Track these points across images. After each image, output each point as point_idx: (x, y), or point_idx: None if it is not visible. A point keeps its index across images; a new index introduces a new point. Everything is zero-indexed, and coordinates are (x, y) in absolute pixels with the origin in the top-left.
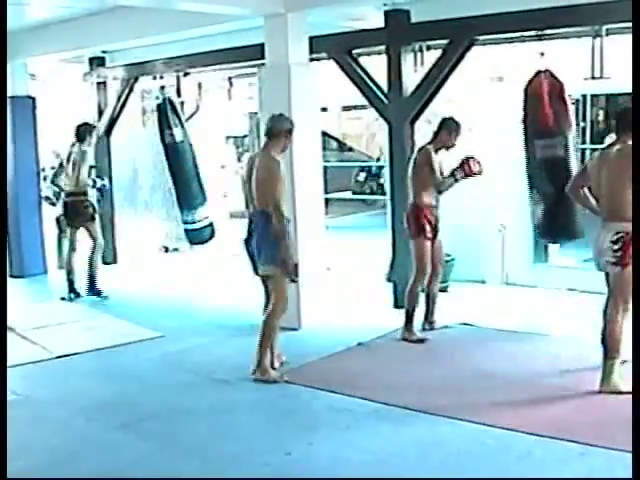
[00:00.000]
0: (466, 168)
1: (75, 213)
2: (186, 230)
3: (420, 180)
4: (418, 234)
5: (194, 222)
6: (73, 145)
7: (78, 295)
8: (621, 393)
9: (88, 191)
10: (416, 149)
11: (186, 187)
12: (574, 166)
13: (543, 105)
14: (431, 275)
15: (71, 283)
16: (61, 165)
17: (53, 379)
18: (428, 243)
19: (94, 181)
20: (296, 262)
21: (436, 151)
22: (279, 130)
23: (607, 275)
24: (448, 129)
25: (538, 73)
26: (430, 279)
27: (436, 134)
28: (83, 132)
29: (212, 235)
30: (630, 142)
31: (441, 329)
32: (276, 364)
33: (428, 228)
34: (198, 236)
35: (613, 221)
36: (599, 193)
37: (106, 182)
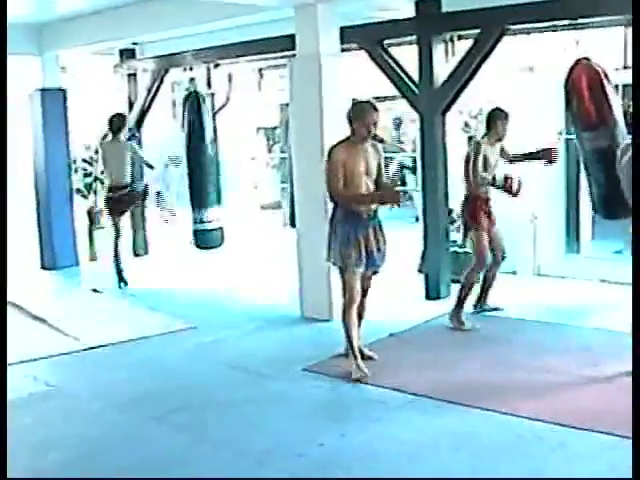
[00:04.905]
0: (506, 185)
1: (129, 203)
2: (194, 231)
3: (473, 172)
4: (476, 226)
5: (203, 222)
6: (105, 137)
7: (127, 283)
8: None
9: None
10: (472, 142)
11: (200, 184)
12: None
13: (583, 100)
14: (492, 263)
15: (120, 272)
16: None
17: (85, 370)
18: (485, 234)
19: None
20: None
21: (495, 142)
22: (351, 119)
23: None
24: (501, 120)
25: (577, 63)
26: (491, 267)
27: (489, 127)
28: (117, 124)
29: (220, 242)
30: None
31: (491, 310)
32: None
33: (483, 219)
34: (204, 239)
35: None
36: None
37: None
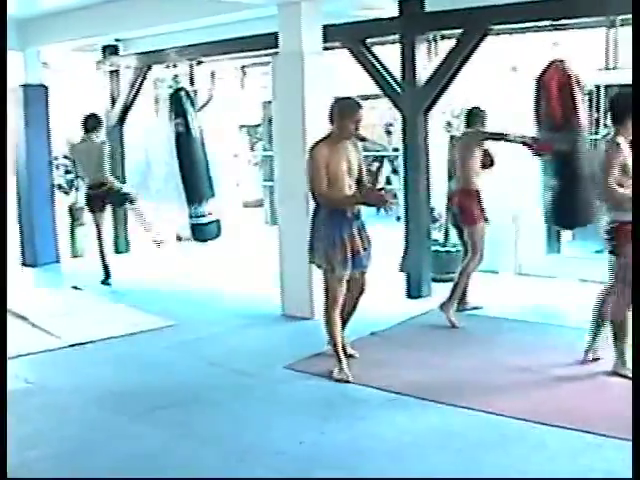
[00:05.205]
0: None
1: (109, 200)
2: (191, 225)
3: (472, 165)
4: (480, 219)
5: (200, 216)
6: (85, 137)
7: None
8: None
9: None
10: (458, 135)
11: (193, 179)
12: (583, 159)
13: (552, 99)
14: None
15: (106, 267)
16: (73, 158)
17: (67, 368)
18: (485, 227)
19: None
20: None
21: None
22: (337, 115)
23: (611, 262)
24: (480, 118)
25: (551, 64)
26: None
27: (468, 123)
28: (92, 123)
29: (217, 234)
30: (617, 138)
31: (472, 309)
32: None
33: (483, 212)
34: (202, 233)
35: (608, 211)
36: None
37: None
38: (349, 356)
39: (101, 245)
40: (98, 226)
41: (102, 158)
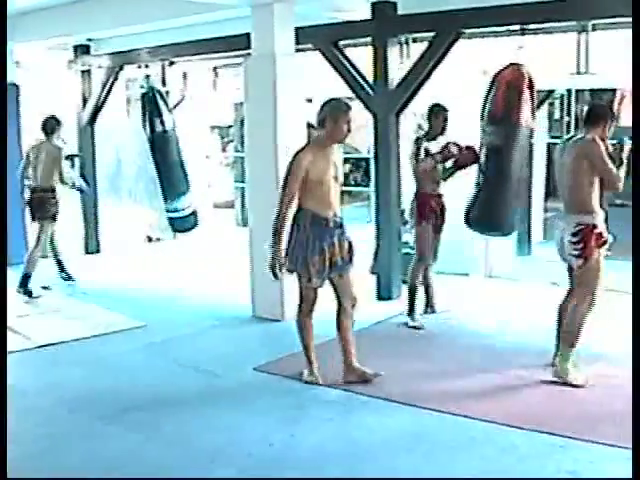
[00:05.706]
0: (445, 154)
1: (39, 209)
2: (170, 218)
3: (421, 169)
4: (419, 222)
5: (177, 210)
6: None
7: (72, 279)
8: (566, 383)
9: (57, 188)
10: (412, 139)
11: (170, 176)
12: (516, 160)
13: (498, 93)
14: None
15: (63, 269)
16: (28, 158)
17: (36, 369)
18: (429, 229)
19: (73, 183)
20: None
21: (434, 138)
22: (326, 117)
23: (570, 267)
24: (436, 115)
25: (509, 65)
26: (425, 267)
27: (429, 120)
28: (51, 126)
29: (195, 224)
30: (589, 136)
31: (442, 313)
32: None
33: (429, 215)
34: (182, 224)
35: (573, 213)
36: (561, 185)
37: (84, 186)
38: (364, 380)
39: (53, 247)
40: (42, 228)
41: (55, 162)
